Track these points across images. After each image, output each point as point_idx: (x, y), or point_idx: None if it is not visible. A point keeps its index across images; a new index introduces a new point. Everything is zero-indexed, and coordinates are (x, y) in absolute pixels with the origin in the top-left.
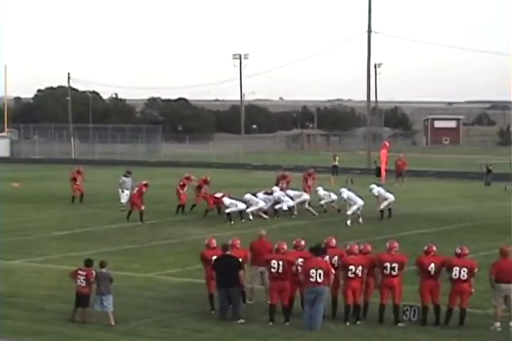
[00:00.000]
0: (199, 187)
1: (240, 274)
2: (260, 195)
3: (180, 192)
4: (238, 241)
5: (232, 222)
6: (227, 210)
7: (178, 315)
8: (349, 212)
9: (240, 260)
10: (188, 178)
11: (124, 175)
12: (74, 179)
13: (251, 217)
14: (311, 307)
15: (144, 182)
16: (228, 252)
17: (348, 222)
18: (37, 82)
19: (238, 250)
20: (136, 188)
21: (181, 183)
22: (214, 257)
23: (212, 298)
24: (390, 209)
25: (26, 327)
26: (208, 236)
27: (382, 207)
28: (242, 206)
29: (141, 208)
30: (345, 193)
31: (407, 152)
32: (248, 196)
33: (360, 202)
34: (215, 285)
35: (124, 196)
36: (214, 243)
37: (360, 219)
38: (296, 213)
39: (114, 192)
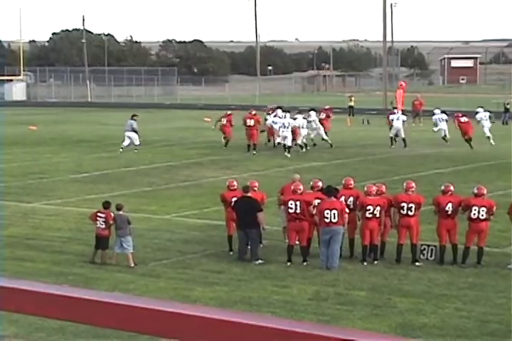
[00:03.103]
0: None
1: (260, 215)
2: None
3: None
4: (256, 184)
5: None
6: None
7: (196, 256)
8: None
9: None
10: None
11: (133, 119)
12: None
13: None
14: (328, 248)
15: (228, 112)
16: (248, 194)
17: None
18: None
19: (255, 192)
20: (225, 119)
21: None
22: (234, 199)
23: (231, 239)
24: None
25: (46, 269)
26: (229, 179)
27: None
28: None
29: (230, 135)
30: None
31: (423, 92)
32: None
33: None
34: (234, 227)
35: (136, 138)
36: (235, 184)
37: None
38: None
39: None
